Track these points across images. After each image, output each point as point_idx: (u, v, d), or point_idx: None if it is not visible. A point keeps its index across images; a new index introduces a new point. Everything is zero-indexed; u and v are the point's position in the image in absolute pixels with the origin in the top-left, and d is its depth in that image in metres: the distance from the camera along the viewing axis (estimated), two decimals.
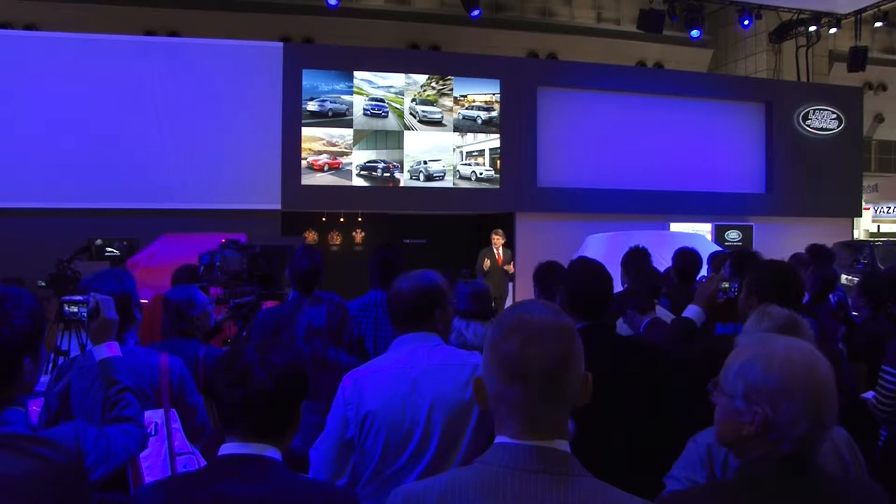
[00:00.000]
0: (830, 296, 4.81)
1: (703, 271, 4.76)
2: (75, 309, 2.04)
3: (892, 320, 3.80)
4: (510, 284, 10.23)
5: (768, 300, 2.34)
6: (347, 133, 11.27)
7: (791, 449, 1.31)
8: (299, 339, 2.93)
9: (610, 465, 1.63)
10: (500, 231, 9.88)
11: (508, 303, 9.56)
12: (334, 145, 11.23)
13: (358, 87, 11.32)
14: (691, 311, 2.95)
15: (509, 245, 11.56)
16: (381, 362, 2.12)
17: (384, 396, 1.99)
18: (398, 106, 11.52)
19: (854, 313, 4.33)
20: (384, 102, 11.45)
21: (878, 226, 19.56)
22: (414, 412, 1.97)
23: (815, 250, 5.83)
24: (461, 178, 11.76)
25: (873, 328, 3.76)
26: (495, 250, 9.78)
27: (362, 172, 11.33)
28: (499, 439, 1.18)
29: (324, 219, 13.76)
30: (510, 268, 9.70)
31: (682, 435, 1.90)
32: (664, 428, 2.32)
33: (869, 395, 3.18)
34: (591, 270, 2.53)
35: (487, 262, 9.56)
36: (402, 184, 11.52)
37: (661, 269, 4.90)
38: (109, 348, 2.03)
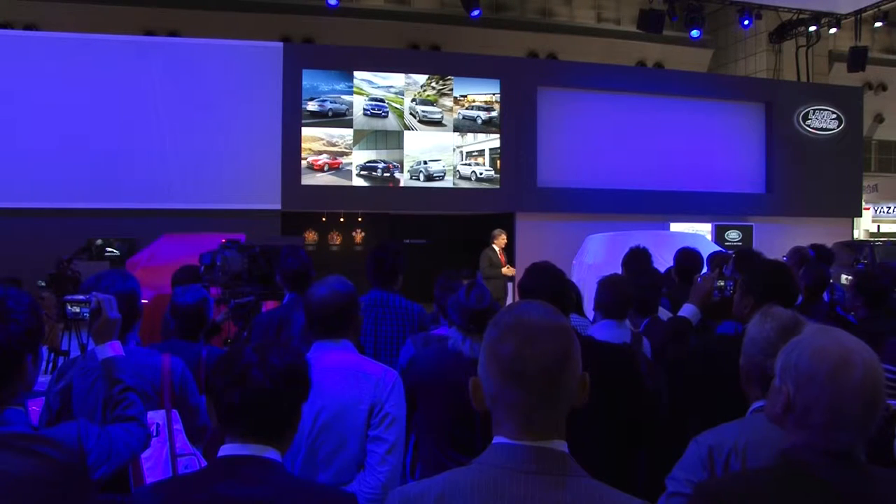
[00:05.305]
0: (824, 295, 4.81)
1: (703, 271, 4.76)
2: (77, 309, 2.03)
3: (892, 315, 3.76)
4: (509, 285, 9.96)
5: (763, 300, 2.34)
6: (347, 133, 11.27)
7: (810, 439, 1.33)
8: (296, 338, 2.92)
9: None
10: (503, 231, 9.32)
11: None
12: (334, 145, 11.22)
13: (358, 87, 11.31)
14: (687, 311, 2.95)
15: (510, 245, 11.56)
16: None
17: None
18: (398, 106, 11.51)
19: (850, 314, 4.30)
20: (384, 102, 11.44)
21: (878, 226, 19.55)
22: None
23: (816, 250, 5.82)
24: (461, 178, 11.75)
25: (871, 328, 3.71)
26: (498, 251, 9.25)
27: (362, 172, 11.33)
28: (496, 440, 1.18)
29: (324, 219, 13.77)
30: (509, 269, 9.13)
31: (679, 434, 1.90)
32: (633, 427, 2.32)
33: None
34: (541, 267, 2.50)
35: (503, 265, 8.87)
36: (402, 184, 11.51)
37: (662, 269, 4.90)
38: (112, 348, 2.03)
